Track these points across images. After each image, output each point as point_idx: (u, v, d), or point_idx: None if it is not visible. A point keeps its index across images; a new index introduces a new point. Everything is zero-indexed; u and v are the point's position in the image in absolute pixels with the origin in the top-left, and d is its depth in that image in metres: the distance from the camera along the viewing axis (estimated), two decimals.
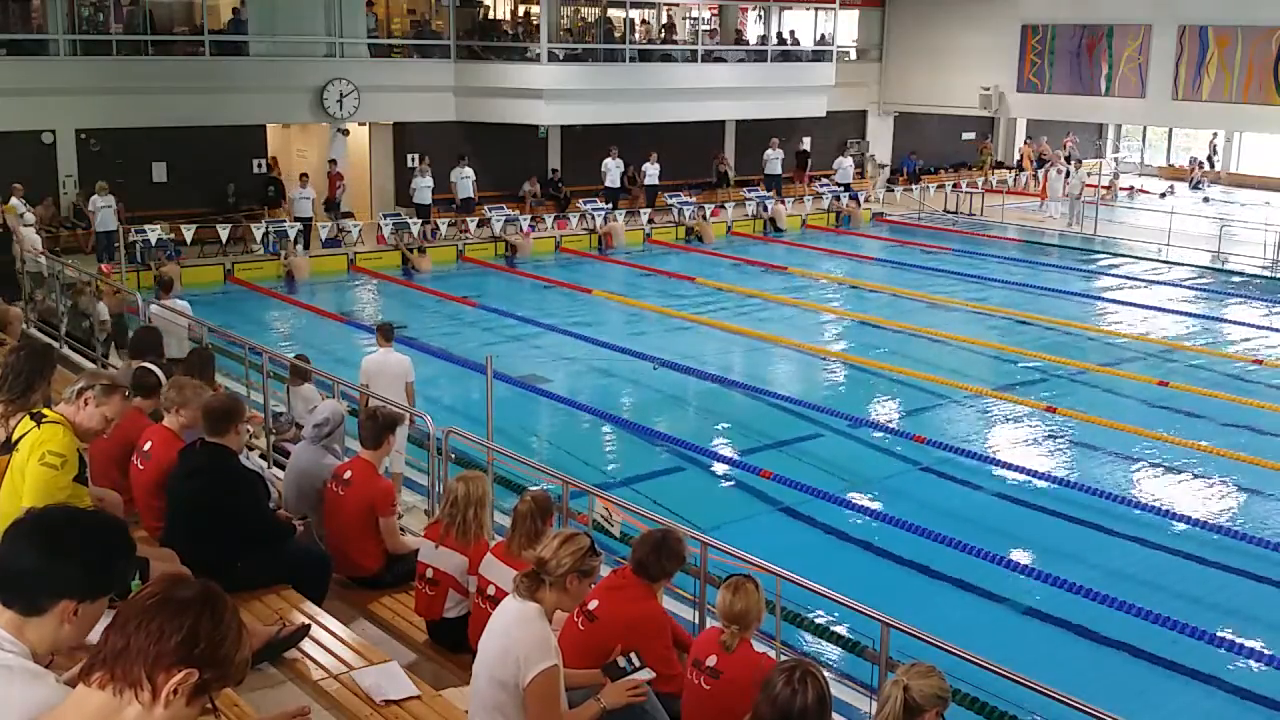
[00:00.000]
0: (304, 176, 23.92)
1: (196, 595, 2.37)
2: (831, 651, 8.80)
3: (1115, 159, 40.14)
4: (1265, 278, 24.60)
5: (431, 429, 8.89)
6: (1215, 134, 37.22)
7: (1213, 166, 38.08)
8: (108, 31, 22.96)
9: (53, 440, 5.04)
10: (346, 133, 25.40)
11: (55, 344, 13.48)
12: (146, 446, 6.87)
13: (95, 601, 2.83)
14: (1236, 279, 24.67)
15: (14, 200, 19.67)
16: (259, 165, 24.78)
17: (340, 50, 25.07)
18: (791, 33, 31.87)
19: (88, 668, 2.35)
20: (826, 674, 4.28)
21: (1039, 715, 7.67)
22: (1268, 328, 20.49)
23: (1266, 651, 9.26)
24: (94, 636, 2.98)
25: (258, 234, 22.24)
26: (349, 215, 24.73)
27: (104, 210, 20.91)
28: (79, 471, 5.13)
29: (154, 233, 21.12)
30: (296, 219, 23.26)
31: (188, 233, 21.57)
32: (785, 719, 4.05)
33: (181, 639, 2.28)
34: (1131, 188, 36.12)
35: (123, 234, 20.31)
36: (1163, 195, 35.05)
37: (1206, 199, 34.98)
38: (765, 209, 29.11)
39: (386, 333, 11.33)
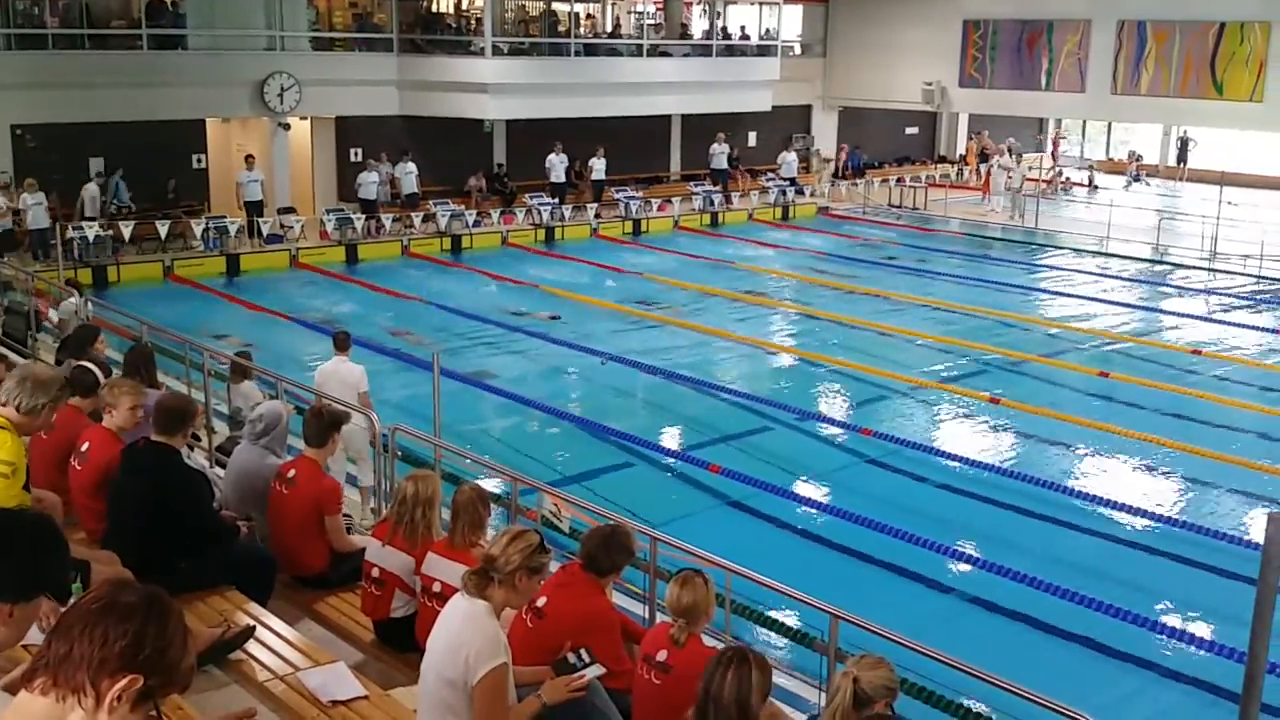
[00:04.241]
0: (249, 158, 23.62)
1: (141, 600, 2.33)
2: (781, 643, 8.85)
3: (1054, 154, 40.63)
4: (1204, 269, 25.01)
5: (377, 426, 8.81)
6: (1184, 130, 37.50)
7: (1183, 163, 38.38)
8: (44, 25, 22.50)
9: (1, 448, 4.94)
10: (288, 127, 25.12)
11: None
12: (84, 447, 6.75)
13: (30, 602, 2.79)
14: (1175, 271, 25.07)
15: None
16: (198, 161, 24.47)
17: (281, 43, 24.78)
18: (742, 28, 31.95)
19: (30, 673, 2.31)
20: (775, 666, 4.30)
21: (986, 704, 7.76)
22: (1206, 319, 20.86)
23: (1206, 637, 9.43)
24: (32, 637, 2.94)
25: (197, 230, 21.94)
26: (291, 210, 24.46)
27: (35, 208, 20.54)
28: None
29: (91, 230, 20.78)
30: (246, 203, 22.97)
31: (126, 230, 21.25)
32: (720, 703, 4.10)
33: (126, 644, 2.25)
34: (1068, 180, 36.56)
35: (59, 231, 19.93)
36: (1091, 184, 35.60)
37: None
38: (712, 203, 29.20)
39: (341, 342, 11.03)
